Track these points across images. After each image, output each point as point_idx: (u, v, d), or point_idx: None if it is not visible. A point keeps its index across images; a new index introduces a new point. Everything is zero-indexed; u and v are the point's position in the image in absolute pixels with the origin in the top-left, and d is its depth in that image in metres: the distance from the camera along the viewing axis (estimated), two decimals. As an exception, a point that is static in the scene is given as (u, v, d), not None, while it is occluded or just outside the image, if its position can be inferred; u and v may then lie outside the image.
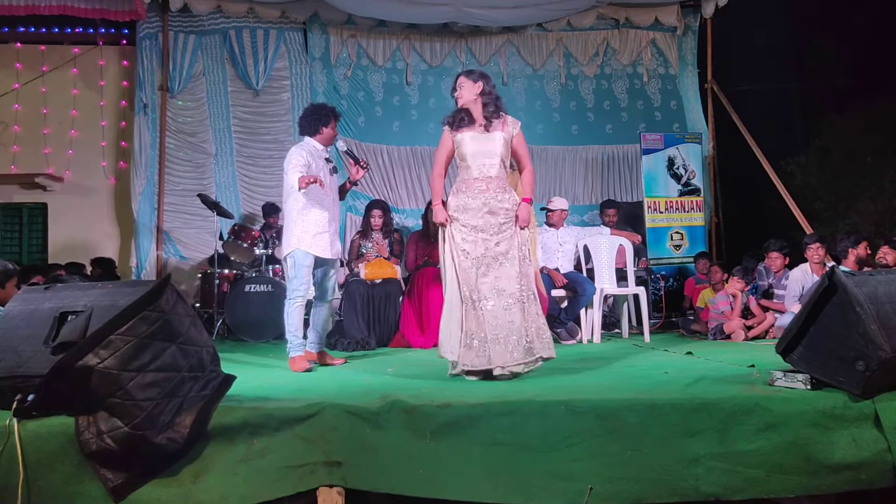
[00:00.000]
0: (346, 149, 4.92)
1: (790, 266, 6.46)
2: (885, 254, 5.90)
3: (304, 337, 4.70)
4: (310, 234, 4.58)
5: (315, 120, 4.74)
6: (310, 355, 4.72)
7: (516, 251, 3.89)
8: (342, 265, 7.02)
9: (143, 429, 2.61)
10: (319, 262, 4.70)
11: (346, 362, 4.86)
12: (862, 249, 5.96)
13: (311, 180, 4.33)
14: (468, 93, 4.01)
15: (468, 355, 3.78)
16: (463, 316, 3.84)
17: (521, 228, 3.95)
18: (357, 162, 4.83)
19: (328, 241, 4.65)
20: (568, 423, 2.87)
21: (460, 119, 4.00)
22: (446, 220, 3.94)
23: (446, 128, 4.05)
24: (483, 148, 3.94)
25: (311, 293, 4.86)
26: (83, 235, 8.24)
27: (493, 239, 3.87)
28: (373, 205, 6.67)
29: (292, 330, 4.58)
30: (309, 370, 4.44)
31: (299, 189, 4.38)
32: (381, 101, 8.43)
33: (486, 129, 3.97)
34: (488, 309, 3.79)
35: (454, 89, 4.08)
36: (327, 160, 4.76)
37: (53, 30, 8.35)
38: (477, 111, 4.01)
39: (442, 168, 4.09)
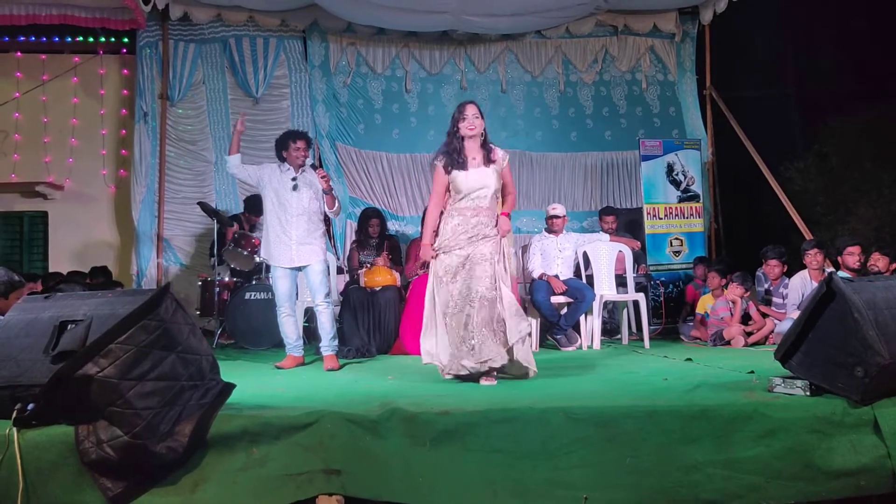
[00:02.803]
0: (310, 163, 5.20)
1: (789, 271, 6.46)
2: (877, 260, 5.91)
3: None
4: (269, 245, 5.12)
5: (277, 149, 5.22)
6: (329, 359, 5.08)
7: (489, 257, 4.08)
8: (340, 272, 7.04)
9: (142, 438, 2.62)
10: (300, 269, 5.10)
11: (335, 369, 4.97)
12: (852, 257, 6.00)
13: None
14: (480, 126, 4.19)
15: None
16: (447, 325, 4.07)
17: (502, 237, 4.17)
18: (314, 169, 5.14)
19: (282, 252, 5.05)
20: (567, 430, 2.88)
21: (457, 160, 4.15)
22: (432, 256, 4.18)
23: (440, 166, 4.18)
24: (478, 181, 4.14)
25: (311, 300, 5.25)
26: (84, 244, 8.26)
27: (466, 251, 4.08)
28: (370, 214, 6.71)
29: (283, 336, 5.17)
30: (282, 368, 5.04)
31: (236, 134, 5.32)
32: (381, 108, 8.44)
33: (481, 162, 4.16)
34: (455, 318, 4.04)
35: (477, 116, 4.17)
36: (293, 179, 5.08)
37: (54, 39, 8.37)
38: (475, 146, 4.18)
39: (440, 202, 4.27)
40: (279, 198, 5.08)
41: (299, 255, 5.05)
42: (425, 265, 6.18)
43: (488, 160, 4.17)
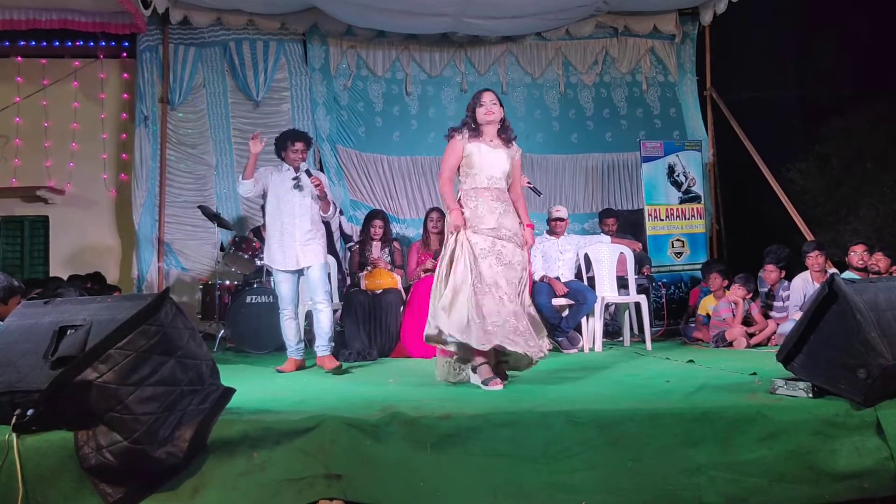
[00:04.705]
0: (304, 168, 5.12)
1: (791, 272, 6.46)
2: (878, 260, 5.90)
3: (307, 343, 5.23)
4: (271, 249, 5.09)
5: (277, 149, 5.19)
6: (318, 360, 5.07)
7: (520, 259, 4.10)
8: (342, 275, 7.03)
9: (142, 443, 2.60)
10: (301, 270, 5.07)
11: (340, 366, 4.95)
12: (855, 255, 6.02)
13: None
14: (500, 113, 4.19)
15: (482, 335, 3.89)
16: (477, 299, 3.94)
17: (526, 249, 4.18)
18: (309, 176, 5.08)
19: (286, 254, 5.02)
20: (568, 433, 2.87)
21: (473, 131, 4.16)
22: (463, 224, 4.05)
23: (457, 136, 4.17)
24: (492, 160, 4.13)
25: (312, 303, 5.16)
26: (85, 248, 8.26)
27: (501, 243, 4.04)
28: (372, 215, 6.69)
29: (284, 338, 5.17)
30: (283, 371, 5.05)
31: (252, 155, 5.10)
32: (381, 111, 8.44)
33: (497, 145, 4.18)
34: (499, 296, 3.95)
35: (494, 102, 4.17)
36: (294, 178, 5.05)
37: (54, 43, 8.37)
38: (492, 130, 4.18)
39: (452, 174, 4.22)
40: (279, 200, 5.06)
41: (304, 255, 5.01)
42: (426, 270, 6.22)
43: (505, 144, 4.20)
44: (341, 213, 7.82)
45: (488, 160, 4.12)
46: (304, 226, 5.04)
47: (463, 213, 4.08)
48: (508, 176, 4.20)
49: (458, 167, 4.20)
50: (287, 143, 5.13)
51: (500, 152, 4.16)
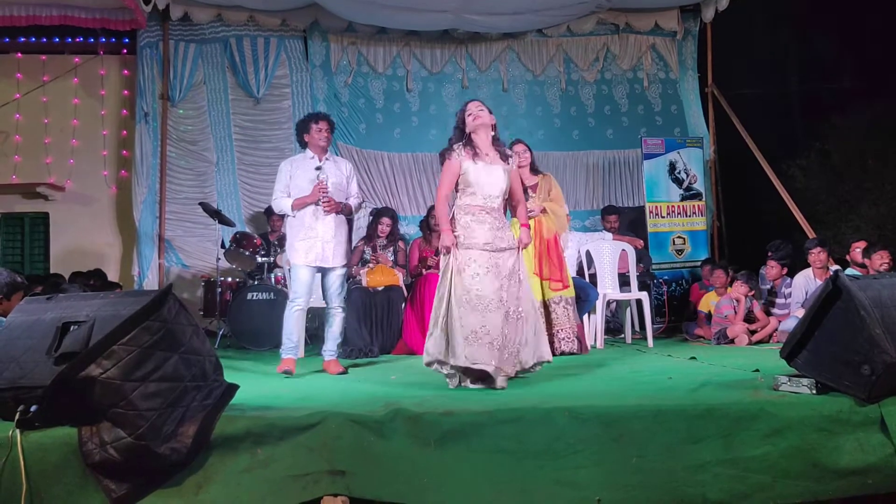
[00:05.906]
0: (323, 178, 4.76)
1: (793, 269, 6.46)
2: (881, 257, 5.89)
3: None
4: (295, 242, 4.70)
5: (299, 133, 4.92)
6: (325, 364, 4.80)
7: (521, 272, 3.98)
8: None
9: (146, 439, 2.60)
10: (322, 270, 4.75)
11: (345, 371, 4.75)
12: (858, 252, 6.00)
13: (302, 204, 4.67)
14: (488, 117, 4.06)
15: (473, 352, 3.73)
16: (462, 317, 3.79)
17: (522, 249, 4.06)
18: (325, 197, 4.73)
19: (309, 249, 4.66)
20: (572, 430, 2.86)
21: (466, 146, 4.02)
22: (453, 244, 3.92)
23: (452, 154, 4.02)
24: (489, 179, 3.98)
25: (325, 302, 4.90)
26: (85, 245, 8.25)
27: (500, 256, 3.90)
28: (382, 212, 6.62)
29: (286, 333, 4.68)
30: (287, 373, 4.56)
31: (293, 211, 4.72)
32: (382, 108, 8.44)
33: (493, 159, 4.03)
34: (492, 315, 3.78)
35: (481, 108, 4.07)
36: (317, 168, 4.74)
37: (54, 39, 8.38)
38: (486, 141, 4.04)
39: (449, 192, 4.08)
40: (301, 191, 4.70)
41: (326, 254, 4.67)
42: (428, 266, 6.21)
43: (500, 158, 4.06)
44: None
45: (485, 179, 3.97)
46: (329, 220, 4.70)
47: (454, 232, 3.96)
48: (506, 192, 4.07)
49: (456, 184, 4.07)
50: (310, 124, 4.81)
51: (497, 169, 4.01)
